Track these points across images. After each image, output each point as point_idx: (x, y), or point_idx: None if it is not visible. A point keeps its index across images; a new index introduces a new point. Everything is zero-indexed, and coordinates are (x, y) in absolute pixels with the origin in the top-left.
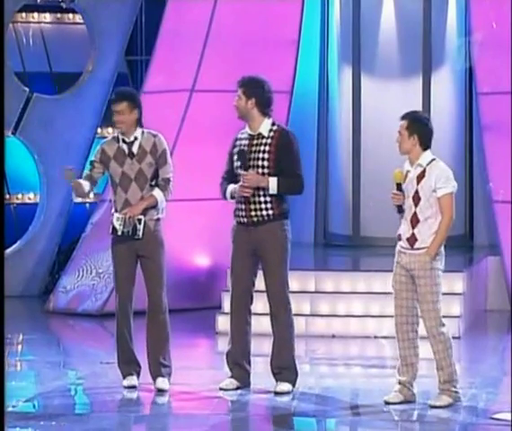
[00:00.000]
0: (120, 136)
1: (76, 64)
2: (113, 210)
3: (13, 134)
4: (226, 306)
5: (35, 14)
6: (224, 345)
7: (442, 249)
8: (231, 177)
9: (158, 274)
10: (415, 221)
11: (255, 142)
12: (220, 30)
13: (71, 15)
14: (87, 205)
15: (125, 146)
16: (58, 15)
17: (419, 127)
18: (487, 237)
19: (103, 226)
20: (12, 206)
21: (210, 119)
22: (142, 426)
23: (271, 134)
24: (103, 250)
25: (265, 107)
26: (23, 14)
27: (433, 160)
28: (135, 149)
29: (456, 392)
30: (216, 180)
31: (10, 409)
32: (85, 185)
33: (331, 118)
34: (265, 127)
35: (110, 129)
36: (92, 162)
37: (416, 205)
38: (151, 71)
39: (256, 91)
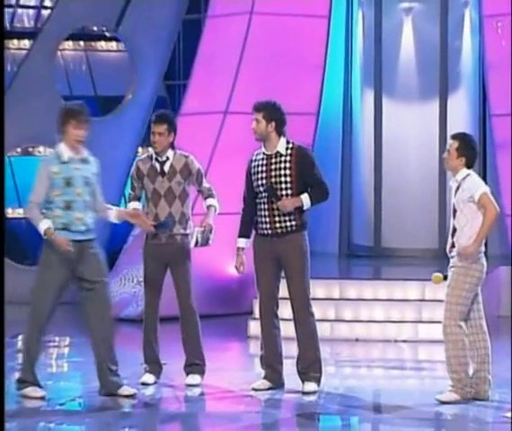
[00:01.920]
0: (154, 155)
1: (119, 88)
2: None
3: None
4: (257, 312)
5: (81, 42)
6: (254, 348)
7: (483, 261)
8: (251, 203)
9: (187, 283)
10: (453, 231)
11: (273, 161)
12: (252, 57)
13: (114, 43)
14: None
15: (157, 165)
16: (102, 43)
17: (468, 149)
18: (499, 248)
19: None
20: None
21: (242, 139)
22: (179, 423)
23: (289, 151)
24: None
25: (282, 127)
26: (70, 42)
27: (468, 175)
28: (166, 168)
29: (463, 390)
30: None
31: (57, 407)
32: (138, 210)
33: (354, 137)
34: (282, 145)
35: (150, 149)
36: (131, 182)
37: (454, 216)
38: (188, 94)
39: (275, 114)
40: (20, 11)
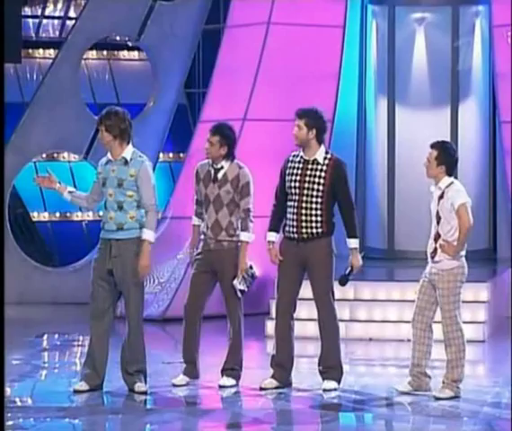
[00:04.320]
0: (211, 161)
1: (141, 96)
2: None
3: (85, 158)
4: (274, 312)
5: (104, 52)
6: (272, 347)
7: (464, 262)
8: (282, 201)
9: (231, 291)
10: (437, 236)
11: (310, 167)
12: (269, 66)
13: (137, 53)
14: None
15: (212, 171)
16: (125, 52)
17: (447, 157)
18: (509, 251)
19: (164, 241)
20: (83, 222)
21: (260, 145)
22: (197, 419)
23: (326, 161)
24: (164, 263)
25: (323, 135)
26: (94, 52)
27: (451, 183)
28: (219, 176)
29: (458, 388)
30: (265, 200)
31: (83, 404)
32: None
33: (368, 143)
34: (320, 154)
35: (171, 154)
36: (196, 186)
37: (438, 223)
38: (207, 102)
39: (317, 122)
40: (45, 21)
